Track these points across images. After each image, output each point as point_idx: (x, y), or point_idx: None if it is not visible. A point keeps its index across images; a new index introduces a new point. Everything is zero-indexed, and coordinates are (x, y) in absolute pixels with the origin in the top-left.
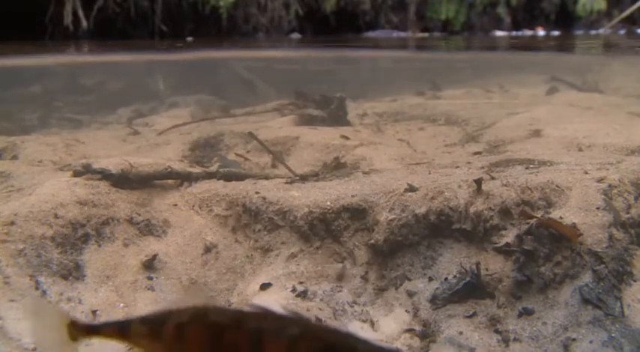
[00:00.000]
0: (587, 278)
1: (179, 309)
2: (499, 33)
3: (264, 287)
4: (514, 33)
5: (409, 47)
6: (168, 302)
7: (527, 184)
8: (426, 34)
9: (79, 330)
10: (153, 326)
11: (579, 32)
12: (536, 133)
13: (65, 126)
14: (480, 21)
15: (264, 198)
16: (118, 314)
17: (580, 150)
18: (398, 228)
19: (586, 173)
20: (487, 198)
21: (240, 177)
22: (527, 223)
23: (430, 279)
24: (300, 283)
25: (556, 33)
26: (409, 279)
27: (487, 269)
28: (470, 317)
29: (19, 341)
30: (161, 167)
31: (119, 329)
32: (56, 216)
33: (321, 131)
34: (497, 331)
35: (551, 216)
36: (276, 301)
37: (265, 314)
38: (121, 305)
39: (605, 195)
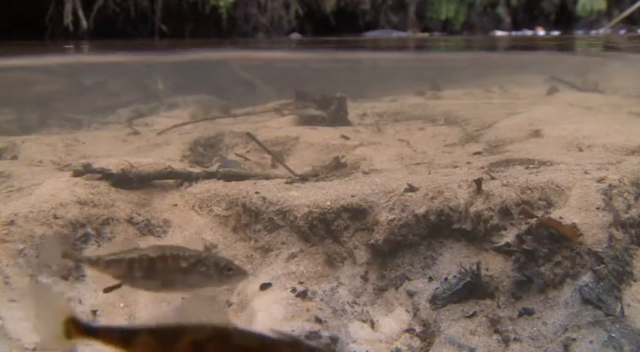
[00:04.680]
0: (587, 278)
1: (195, 324)
2: (499, 33)
3: (264, 287)
4: (514, 33)
5: (409, 47)
6: (175, 310)
7: (527, 184)
8: (426, 34)
9: (77, 329)
10: (164, 339)
11: (579, 32)
12: (536, 133)
13: (65, 126)
14: (479, 21)
15: (264, 198)
16: (118, 314)
17: (580, 150)
18: (398, 228)
19: (586, 173)
20: (487, 198)
21: (240, 177)
22: (527, 223)
23: (430, 279)
24: (300, 283)
25: (556, 33)
26: (409, 279)
27: (487, 269)
28: (470, 317)
29: (19, 341)
30: (161, 167)
31: (123, 337)
32: (56, 216)
33: (321, 131)
34: (497, 331)
35: (551, 216)
36: (276, 301)
37: (296, 343)
38: (121, 305)
39: (605, 195)
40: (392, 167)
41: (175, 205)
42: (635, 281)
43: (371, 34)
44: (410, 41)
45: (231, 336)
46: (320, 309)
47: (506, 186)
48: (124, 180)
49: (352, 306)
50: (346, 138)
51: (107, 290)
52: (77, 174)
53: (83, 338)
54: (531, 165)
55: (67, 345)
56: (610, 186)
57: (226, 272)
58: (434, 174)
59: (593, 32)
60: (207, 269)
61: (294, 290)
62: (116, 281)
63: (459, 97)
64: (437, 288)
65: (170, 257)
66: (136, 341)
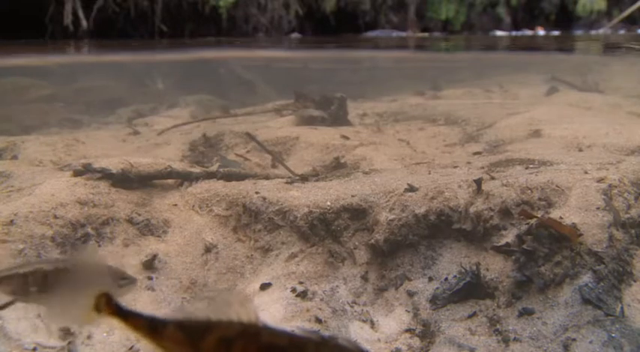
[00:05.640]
0: (587, 278)
1: (224, 321)
2: (499, 33)
3: (264, 287)
4: (514, 33)
5: (409, 47)
6: (197, 307)
7: (527, 184)
8: (426, 34)
9: (108, 306)
10: (192, 334)
11: (579, 32)
12: (536, 133)
13: (65, 126)
14: (479, 21)
15: (264, 198)
16: None
17: (580, 150)
18: (398, 228)
19: (586, 173)
20: (487, 198)
21: (240, 177)
22: (527, 223)
23: (430, 279)
24: (300, 283)
25: (556, 33)
26: (409, 279)
27: (487, 270)
28: (470, 317)
29: (18, 341)
30: (161, 167)
31: (151, 326)
32: (56, 216)
33: (321, 131)
34: (497, 331)
35: (551, 216)
36: (276, 301)
37: (325, 342)
38: None
39: (605, 195)
40: (392, 167)
41: (175, 205)
42: (635, 281)
43: (371, 34)
44: (410, 41)
45: (259, 334)
46: (320, 309)
47: (506, 186)
48: (124, 180)
49: (352, 306)
50: (346, 138)
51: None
52: (77, 174)
53: (111, 318)
54: (531, 165)
55: (92, 319)
56: (610, 186)
57: (121, 281)
58: (434, 174)
59: (593, 32)
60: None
61: (294, 290)
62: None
63: (459, 97)
64: (437, 288)
65: (64, 270)
66: (164, 332)
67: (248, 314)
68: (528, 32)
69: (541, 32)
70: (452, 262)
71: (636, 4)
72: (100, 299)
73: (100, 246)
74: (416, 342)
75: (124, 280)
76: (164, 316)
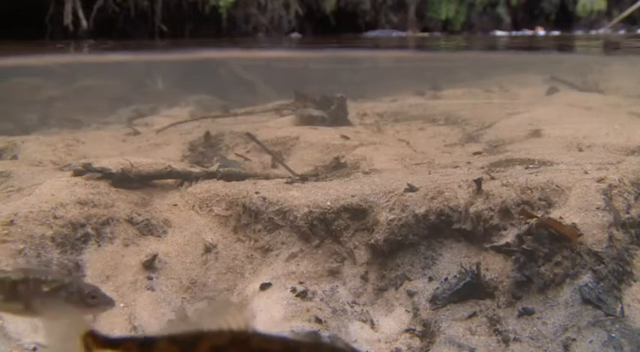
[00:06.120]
0: (587, 278)
1: (214, 330)
2: (499, 33)
3: (264, 287)
4: (514, 33)
5: (409, 47)
6: (193, 316)
7: (527, 184)
8: (426, 34)
9: (96, 342)
10: (184, 346)
11: (579, 32)
12: (536, 133)
13: (65, 126)
14: (479, 21)
15: (264, 198)
16: (118, 315)
17: (580, 150)
18: (398, 228)
19: (586, 173)
20: (487, 198)
21: (240, 177)
22: (527, 223)
23: (430, 279)
24: (300, 283)
25: (556, 33)
26: (409, 279)
27: (487, 270)
28: (470, 317)
29: (18, 341)
30: (161, 167)
31: (142, 346)
32: (56, 216)
33: (322, 131)
34: (497, 331)
35: (551, 216)
36: (276, 301)
37: (319, 346)
38: (121, 305)
39: (605, 195)
40: (392, 167)
41: (175, 205)
42: (635, 281)
43: (371, 34)
44: (410, 41)
45: (251, 340)
46: (320, 309)
47: (506, 186)
48: (124, 180)
49: (352, 306)
50: (346, 138)
51: None
52: (77, 173)
53: (104, 351)
54: (531, 165)
55: None
56: (610, 186)
57: (90, 300)
58: (434, 174)
59: (593, 32)
60: (70, 295)
61: (294, 290)
62: None
63: (459, 97)
64: (437, 288)
65: (32, 281)
66: (155, 349)
67: (238, 322)
68: (528, 32)
69: (541, 32)
70: (452, 262)
71: (636, 4)
72: (86, 339)
73: (100, 246)
74: (416, 342)
75: (93, 299)
76: (153, 333)
